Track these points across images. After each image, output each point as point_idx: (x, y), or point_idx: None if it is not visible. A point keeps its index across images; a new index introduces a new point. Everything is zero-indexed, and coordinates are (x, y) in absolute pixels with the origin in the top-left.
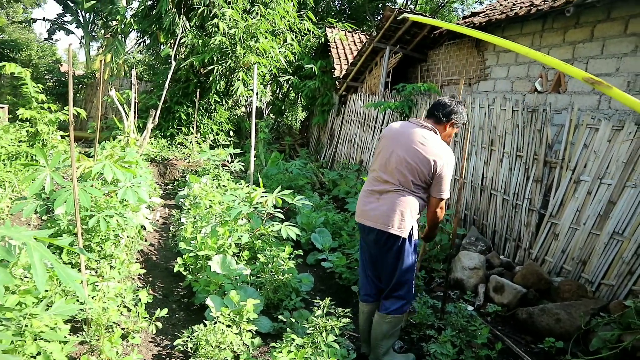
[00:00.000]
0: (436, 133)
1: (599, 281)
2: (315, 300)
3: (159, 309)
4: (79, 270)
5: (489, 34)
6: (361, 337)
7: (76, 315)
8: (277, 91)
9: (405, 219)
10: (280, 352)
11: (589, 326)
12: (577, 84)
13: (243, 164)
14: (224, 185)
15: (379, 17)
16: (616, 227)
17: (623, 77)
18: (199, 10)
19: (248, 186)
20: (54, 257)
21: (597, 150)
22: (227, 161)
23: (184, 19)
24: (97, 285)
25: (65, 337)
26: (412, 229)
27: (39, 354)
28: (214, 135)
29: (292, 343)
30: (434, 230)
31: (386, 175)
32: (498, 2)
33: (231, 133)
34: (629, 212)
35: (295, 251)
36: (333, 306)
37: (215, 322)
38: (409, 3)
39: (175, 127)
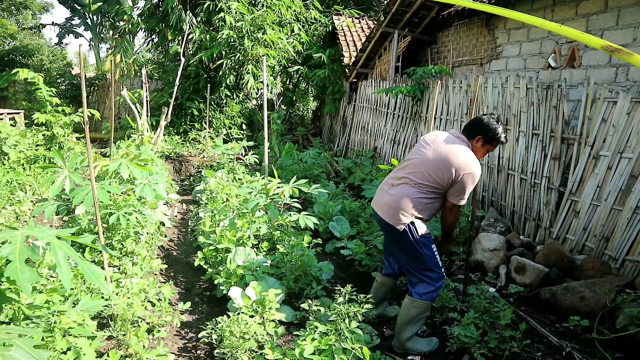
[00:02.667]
0: (468, 146)
1: (623, 257)
2: (336, 288)
3: (182, 302)
4: (102, 268)
5: (505, 9)
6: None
7: (102, 311)
8: (287, 82)
9: (404, 211)
10: (304, 339)
11: (615, 303)
12: (593, 57)
13: (257, 157)
14: (239, 179)
15: (385, 2)
16: (639, 201)
17: None
18: (205, 5)
19: (263, 178)
20: (78, 255)
21: (616, 124)
22: (241, 154)
23: (190, 14)
24: (121, 282)
25: (92, 332)
26: (412, 223)
27: (69, 349)
28: (226, 130)
29: (315, 331)
30: (448, 238)
31: (403, 171)
32: None
33: (243, 126)
34: None
35: (314, 240)
36: (355, 293)
37: (239, 313)
38: None
39: (188, 123)
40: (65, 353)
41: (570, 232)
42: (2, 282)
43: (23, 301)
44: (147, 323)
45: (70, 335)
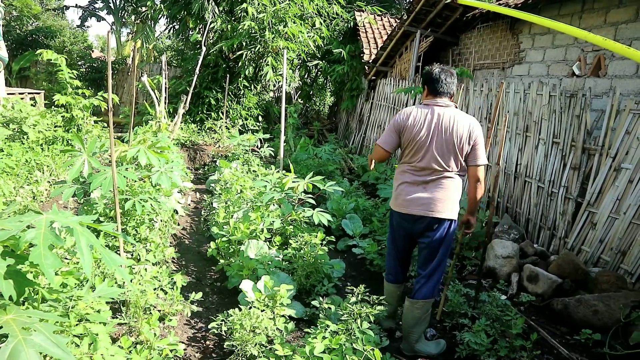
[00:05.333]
0: (456, 107)
1: None
2: (347, 287)
3: (193, 292)
4: (118, 254)
5: (531, 14)
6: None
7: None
8: (305, 76)
9: (455, 202)
10: (315, 337)
11: (629, 319)
12: (619, 67)
13: (272, 149)
14: (254, 171)
15: (408, 0)
16: None
17: None
18: None
19: (278, 171)
20: (99, 242)
21: None
22: (257, 146)
23: (213, 3)
24: (134, 268)
25: (107, 319)
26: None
27: (85, 334)
28: (242, 121)
29: (326, 329)
30: (474, 212)
31: (430, 163)
32: None
33: (260, 118)
34: None
35: (327, 237)
36: (367, 293)
37: (251, 307)
38: None
39: (205, 112)
40: (81, 338)
41: (585, 244)
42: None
43: (42, 284)
44: (159, 311)
45: (87, 320)
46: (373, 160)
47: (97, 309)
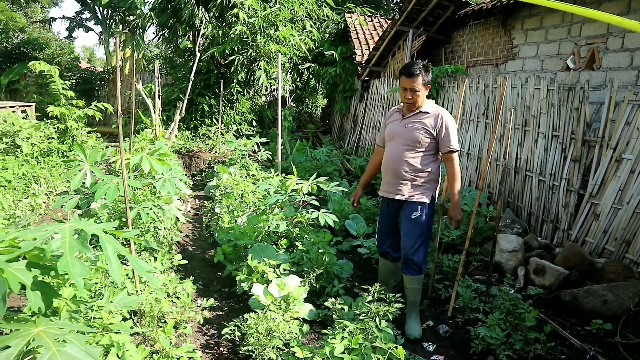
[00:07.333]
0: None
1: None
2: (355, 287)
3: (205, 299)
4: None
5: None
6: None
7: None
8: (298, 79)
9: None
10: (334, 338)
11: (639, 307)
12: (613, 59)
13: (269, 153)
14: (252, 175)
15: (397, 1)
16: None
17: None
18: (218, 1)
19: (277, 175)
20: (126, 250)
21: None
22: (253, 151)
23: (203, 10)
24: (143, 277)
25: (130, 327)
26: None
27: (112, 345)
28: (236, 126)
29: (345, 329)
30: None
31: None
32: None
33: (254, 123)
34: None
35: (334, 238)
36: (382, 292)
37: (266, 311)
38: None
39: (199, 118)
40: (108, 350)
41: (589, 235)
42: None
43: (66, 295)
44: (172, 319)
45: (111, 331)
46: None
47: (118, 319)
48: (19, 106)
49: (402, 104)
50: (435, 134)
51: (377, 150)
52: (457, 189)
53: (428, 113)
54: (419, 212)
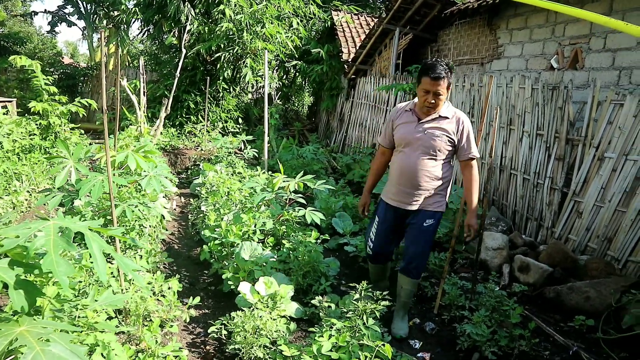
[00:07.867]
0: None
1: (626, 258)
2: (344, 284)
3: (191, 297)
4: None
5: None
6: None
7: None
8: (284, 77)
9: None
10: (322, 336)
11: (620, 303)
12: (596, 59)
13: (256, 151)
14: (238, 173)
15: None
16: None
17: None
18: None
19: (264, 172)
20: (112, 248)
21: (622, 126)
22: (239, 148)
23: (189, 6)
24: (128, 275)
25: (116, 326)
26: None
27: (96, 345)
28: (222, 123)
29: (332, 327)
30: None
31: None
32: None
33: (240, 120)
34: None
35: (321, 236)
36: (370, 290)
37: (254, 309)
38: None
39: (184, 115)
40: (93, 349)
41: (572, 233)
42: (29, 274)
43: (49, 294)
44: (158, 318)
45: (96, 330)
46: None
47: (103, 317)
48: (0, 101)
49: (408, 103)
50: (456, 141)
51: (381, 151)
52: (475, 197)
53: (448, 118)
54: (433, 220)
